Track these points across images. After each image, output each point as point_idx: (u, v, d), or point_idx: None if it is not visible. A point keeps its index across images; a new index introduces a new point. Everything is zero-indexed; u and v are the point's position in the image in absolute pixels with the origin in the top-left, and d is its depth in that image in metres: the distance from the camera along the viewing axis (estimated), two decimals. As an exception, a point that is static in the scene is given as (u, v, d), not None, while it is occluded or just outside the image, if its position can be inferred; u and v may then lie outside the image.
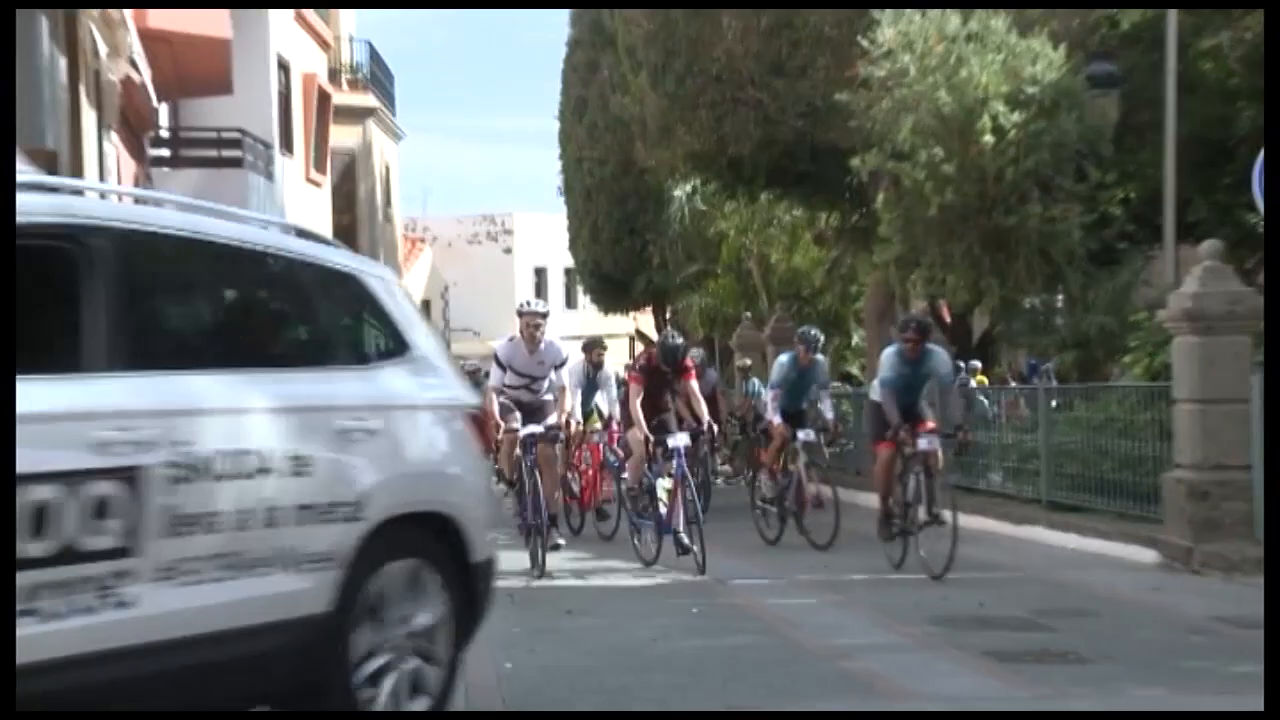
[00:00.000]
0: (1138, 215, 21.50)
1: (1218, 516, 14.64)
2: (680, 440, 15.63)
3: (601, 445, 19.92)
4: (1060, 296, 22.28)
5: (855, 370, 39.39)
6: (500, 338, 17.72)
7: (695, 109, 25.32)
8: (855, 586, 14.01)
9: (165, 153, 28.17)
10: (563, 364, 16.91)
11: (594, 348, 19.03)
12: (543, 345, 16.47)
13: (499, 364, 16.49)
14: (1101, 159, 20.79)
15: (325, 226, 37.40)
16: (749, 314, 36.20)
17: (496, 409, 15.69)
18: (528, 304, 17.31)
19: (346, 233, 41.87)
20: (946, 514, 14.89)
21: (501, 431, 15.87)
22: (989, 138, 20.09)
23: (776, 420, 17.92)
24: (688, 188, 36.11)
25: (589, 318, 57.25)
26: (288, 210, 32.04)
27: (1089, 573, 14.58)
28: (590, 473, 19.87)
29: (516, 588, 13.54)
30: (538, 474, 15.86)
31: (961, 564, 14.13)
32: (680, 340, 17.27)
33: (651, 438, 15.62)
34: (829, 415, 18.46)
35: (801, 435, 17.72)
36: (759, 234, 37.29)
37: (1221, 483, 14.70)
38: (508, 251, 65.94)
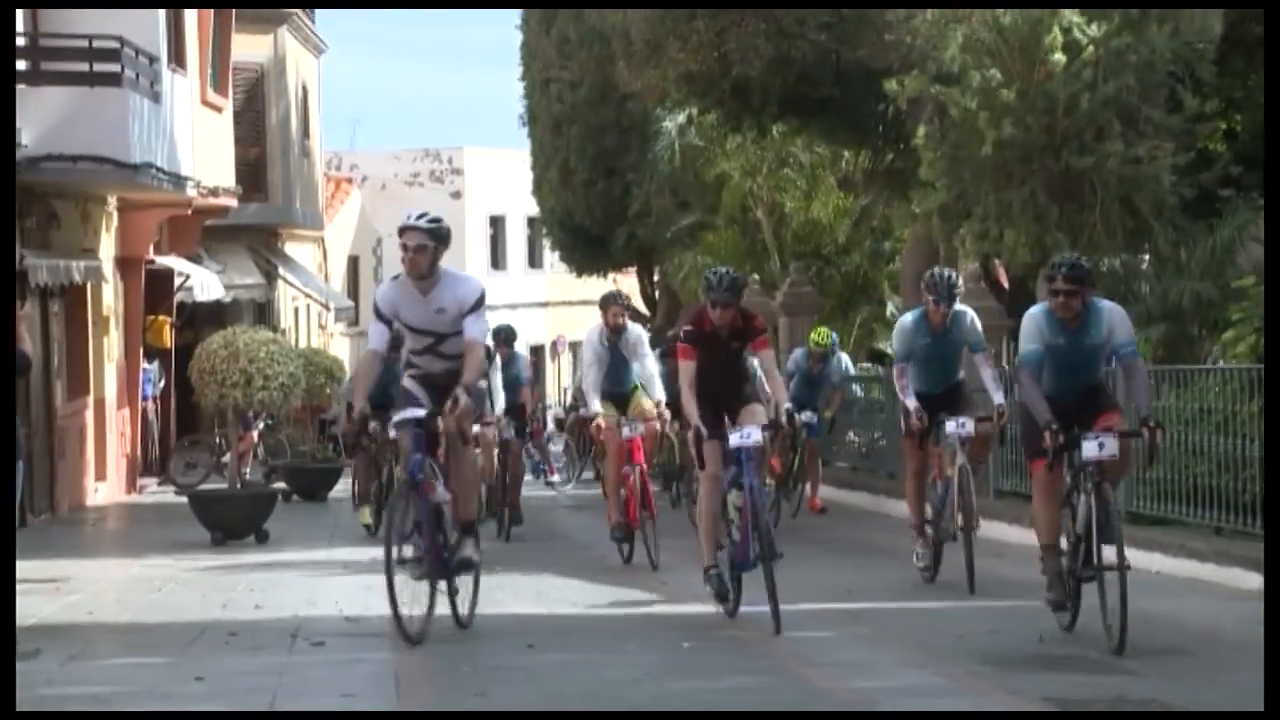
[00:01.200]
0: (1245, 154, 21.56)
1: (1341, 532, 14.70)
2: (750, 437, 13.63)
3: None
4: (1146, 257, 22.34)
5: (887, 348, 39.47)
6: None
7: (691, 19, 25.36)
8: (884, 615, 13.98)
9: (22, 65, 28.03)
10: (476, 307, 13.60)
11: (611, 304, 18.15)
12: (441, 280, 13.54)
13: (380, 317, 13.74)
14: (1201, 83, 20.85)
15: (227, 161, 37.38)
16: (757, 277, 36.16)
17: (359, 398, 13.90)
18: (410, 217, 13.99)
19: (254, 169, 41.88)
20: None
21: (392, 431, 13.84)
22: (1059, 56, 20.18)
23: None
24: (681, 118, 36.14)
25: (558, 280, 57.41)
26: (179, 140, 31.97)
27: (1178, 601, 14.63)
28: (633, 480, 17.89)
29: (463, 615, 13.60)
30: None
31: (1012, 588, 14.17)
32: (730, 270, 14.52)
33: (705, 433, 13.56)
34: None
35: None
36: (769, 177, 37.28)
37: (1345, 490, 14.75)
38: (456, 196, 65.86)
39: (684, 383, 13.85)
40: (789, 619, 13.78)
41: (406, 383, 14.17)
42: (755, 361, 15.81)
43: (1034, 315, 12.81)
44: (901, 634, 13.04)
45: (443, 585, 13.24)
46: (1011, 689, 10.59)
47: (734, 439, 13.56)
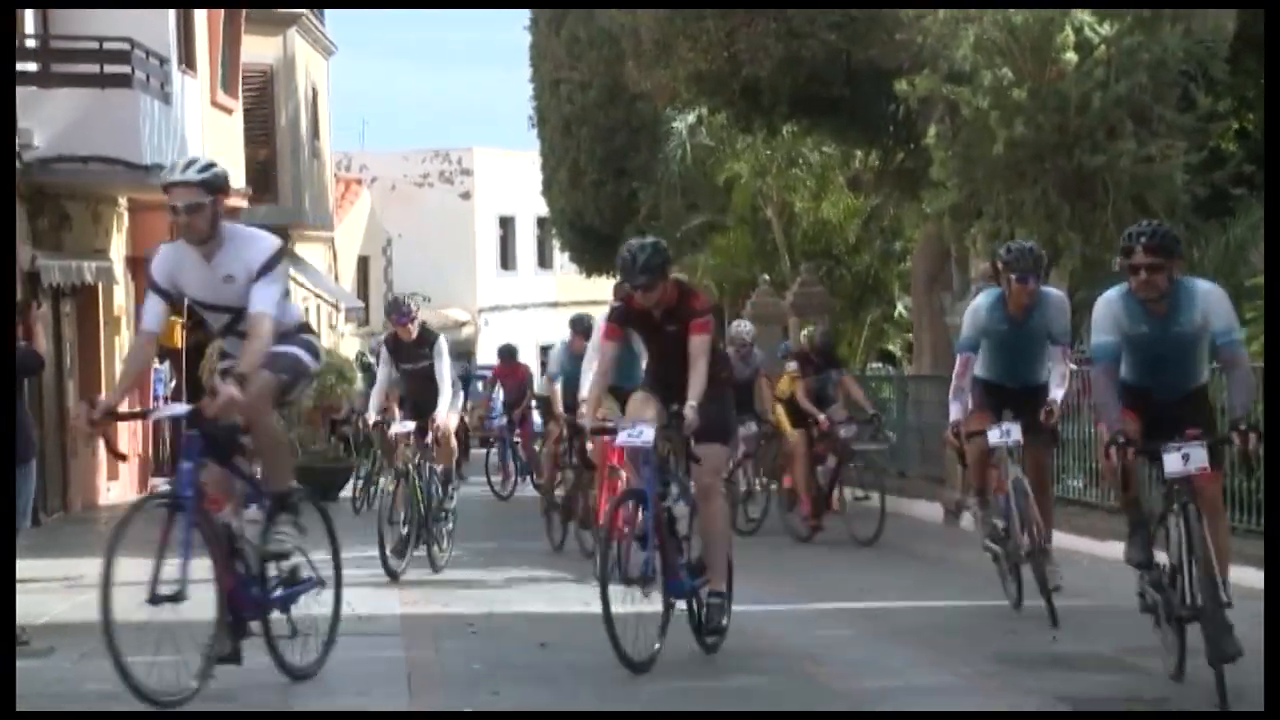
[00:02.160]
0: (1258, 153, 21.56)
1: (1353, 530, 14.69)
2: (640, 435, 11.64)
3: None
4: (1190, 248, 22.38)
5: (896, 349, 39.43)
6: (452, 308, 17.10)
7: (701, 19, 25.39)
8: (897, 614, 13.99)
9: (32, 67, 28.07)
10: (266, 270, 10.72)
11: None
12: (226, 241, 10.81)
13: (154, 289, 10.99)
14: (1214, 82, 20.88)
15: (237, 161, 37.42)
16: (767, 277, 36.18)
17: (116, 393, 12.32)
18: (174, 170, 11.06)
19: (264, 170, 41.95)
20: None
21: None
22: (1071, 55, 20.19)
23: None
24: (691, 118, 36.15)
25: (567, 281, 57.38)
26: (190, 141, 32.01)
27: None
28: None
29: (477, 614, 13.61)
30: None
31: (1030, 588, 14.18)
32: (650, 240, 12.24)
33: (588, 428, 12.53)
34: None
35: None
36: (779, 177, 37.23)
37: (1357, 489, 14.74)
38: (466, 197, 65.97)
39: (587, 366, 13.60)
40: (799, 617, 14.00)
41: (215, 379, 11.33)
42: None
43: (1109, 300, 10.49)
44: (914, 633, 13.06)
45: (258, 627, 10.64)
46: (1025, 689, 10.65)
47: (621, 436, 11.92)
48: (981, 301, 14.73)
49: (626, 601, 11.30)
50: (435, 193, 65.01)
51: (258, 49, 41.59)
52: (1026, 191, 20.72)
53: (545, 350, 33.12)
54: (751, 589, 14.94)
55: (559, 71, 39.85)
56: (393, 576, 16.52)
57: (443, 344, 17.54)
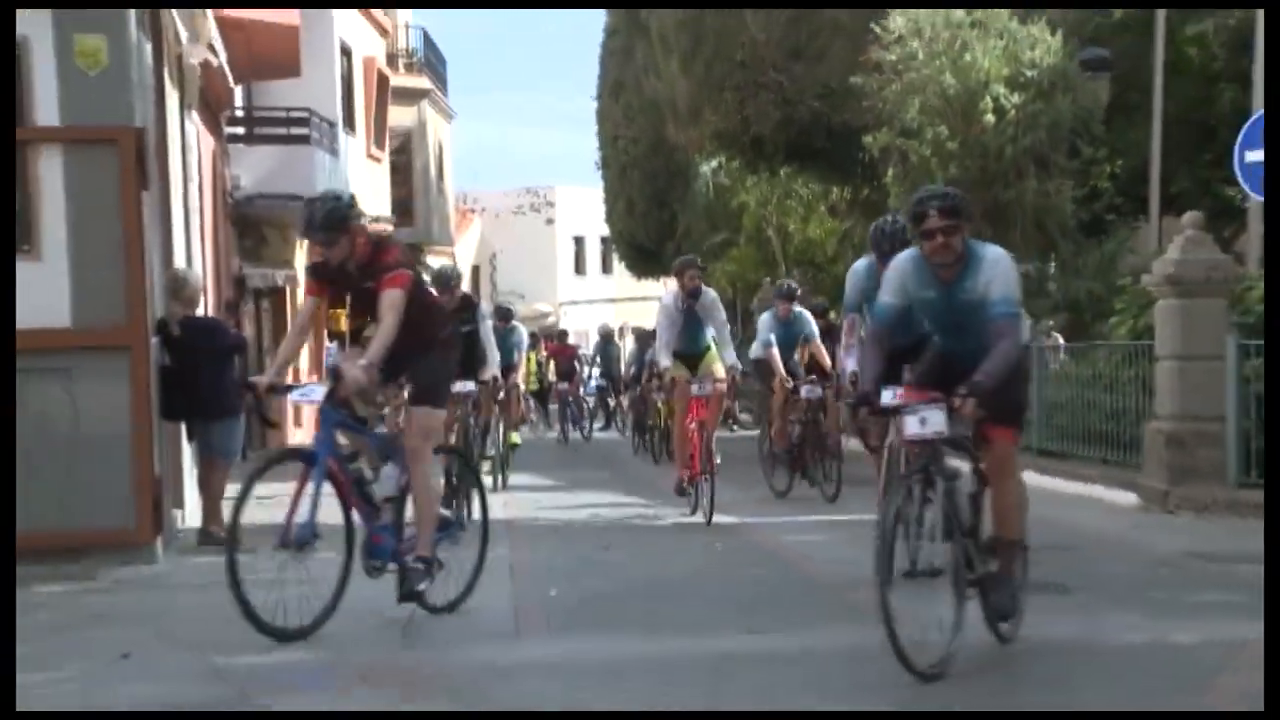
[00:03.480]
0: (1124, 189, 21.61)
1: (1192, 463, 14.75)
2: (310, 394, 9.57)
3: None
4: (1053, 264, 22.34)
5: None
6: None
7: (721, 91, 25.43)
8: (863, 526, 14.06)
9: (240, 130, 28.26)
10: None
11: (688, 268, 14.53)
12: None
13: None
14: (1093, 137, 20.90)
15: (384, 198, 37.56)
16: (769, 279, 36.18)
17: None
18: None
19: (403, 205, 42.03)
20: None
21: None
22: (990, 117, 20.19)
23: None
24: (713, 164, 36.12)
25: (623, 282, 57.34)
26: (351, 183, 32.19)
27: (1074, 512, 14.62)
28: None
29: (560, 521, 13.72)
30: None
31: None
32: (332, 194, 9.41)
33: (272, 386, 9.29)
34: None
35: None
36: (778, 206, 37.23)
37: (1197, 432, 14.80)
38: (549, 222, 65.87)
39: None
40: (793, 528, 13.82)
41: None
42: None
43: (899, 262, 8.08)
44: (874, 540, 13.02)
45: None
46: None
47: (294, 394, 9.86)
48: (861, 265, 11.98)
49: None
50: (527, 219, 64.86)
51: (399, 116, 41.67)
52: (958, 217, 20.75)
53: (604, 333, 32.81)
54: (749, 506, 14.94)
55: (617, 130, 39.80)
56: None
57: (484, 310, 15.17)
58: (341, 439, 8.93)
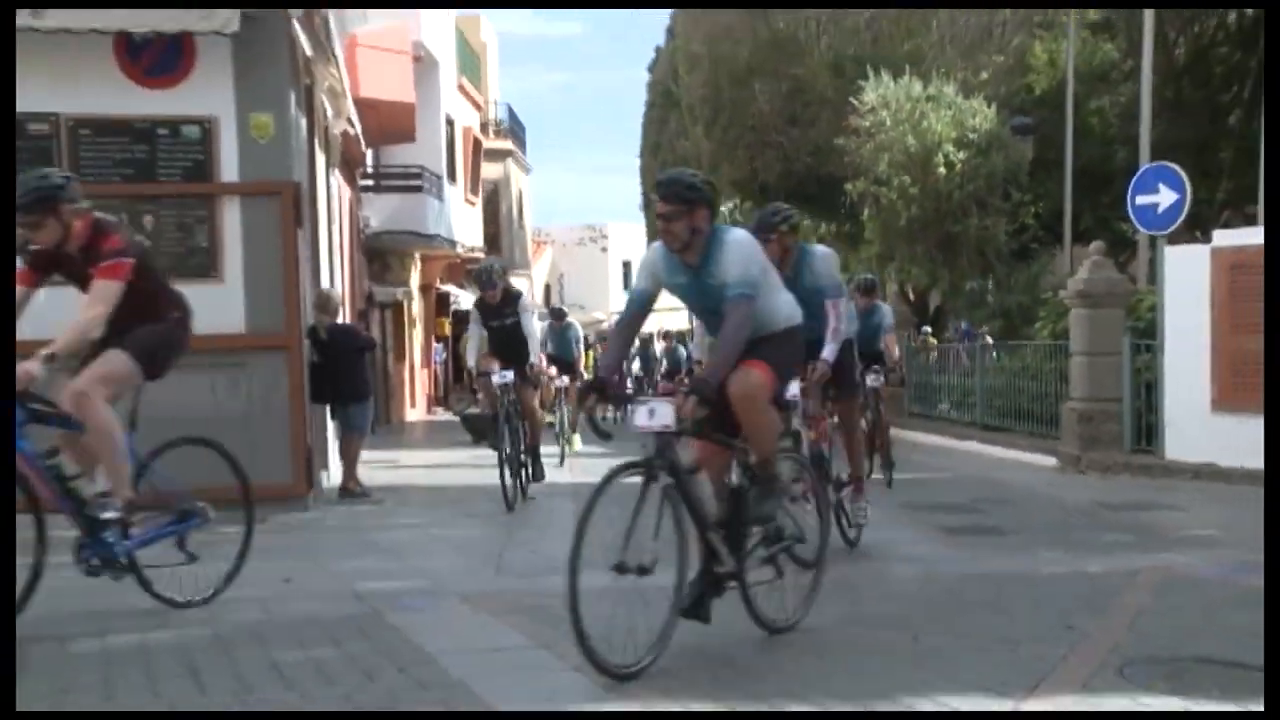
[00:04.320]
0: (1044, 225, 21.56)
1: (1097, 434, 14.74)
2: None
3: None
4: (991, 281, 22.28)
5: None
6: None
7: (735, 150, 25.45)
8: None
9: (370, 182, 28.44)
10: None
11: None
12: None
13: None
14: (1020, 185, 20.87)
15: (477, 233, 37.69)
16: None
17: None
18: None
19: (492, 238, 42.16)
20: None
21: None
22: (942, 170, 20.17)
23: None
24: (730, 205, 36.08)
25: (663, 297, 57.29)
26: (453, 222, 32.33)
27: (1009, 473, 14.64)
28: None
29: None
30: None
31: (920, 467, 14.17)
32: (36, 173, 6.69)
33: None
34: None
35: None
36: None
37: (1101, 411, 14.78)
38: (604, 250, 65.81)
39: None
40: None
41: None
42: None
43: (651, 249, 6.33)
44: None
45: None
46: (920, 522, 10.51)
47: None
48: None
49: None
50: (586, 248, 64.85)
51: (489, 170, 41.80)
52: (919, 246, 20.74)
53: (642, 338, 32.68)
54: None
55: (655, 179, 39.83)
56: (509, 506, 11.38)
57: (526, 302, 12.40)
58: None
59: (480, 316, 12.32)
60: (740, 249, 5.97)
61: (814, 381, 8.14)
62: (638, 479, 5.51)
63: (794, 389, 7.94)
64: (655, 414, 5.64)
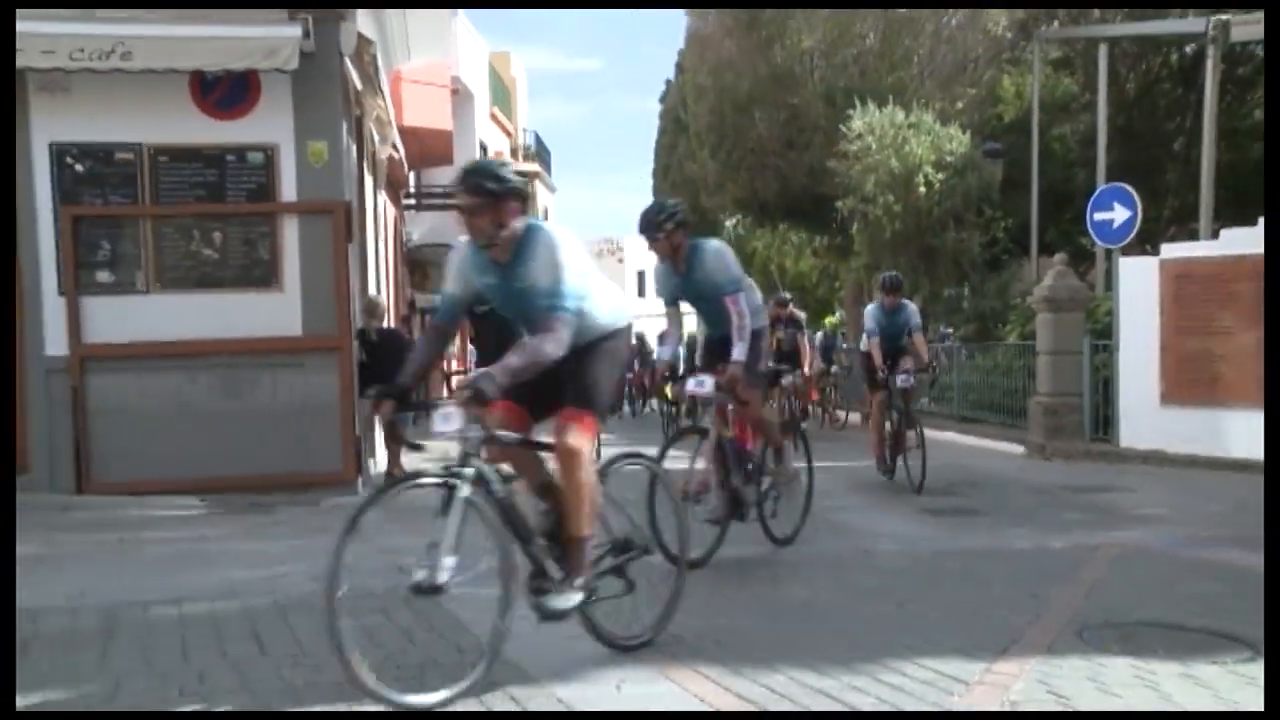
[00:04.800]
0: (1013, 238, 21.48)
1: (1061, 424, 14.73)
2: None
3: None
4: (966, 289, 22.24)
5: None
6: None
7: (738, 171, 25.38)
8: (840, 471, 14.02)
9: (412, 203, 28.49)
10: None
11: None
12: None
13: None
14: (991, 203, 20.80)
15: (509, 246, 37.67)
16: (772, 300, 36.01)
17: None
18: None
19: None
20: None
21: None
22: (922, 189, 20.11)
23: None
24: (733, 220, 36.08)
25: (671, 302, 57.30)
26: (486, 236, 32.38)
27: (982, 460, 14.60)
28: None
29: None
30: None
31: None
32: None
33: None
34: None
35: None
36: (778, 249, 37.15)
37: (1064, 404, 14.77)
38: (620, 261, 65.83)
39: None
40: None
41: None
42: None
43: (457, 248, 5.16)
44: (848, 479, 12.77)
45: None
46: (903, 504, 10.45)
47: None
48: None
49: None
50: (604, 259, 64.57)
51: (519, 189, 41.89)
52: (901, 257, 20.66)
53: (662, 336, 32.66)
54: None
55: (666, 198, 39.77)
56: None
57: None
58: None
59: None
60: (552, 252, 4.79)
61: (726, 386, 7.04)
62: (436, 489, 4.59)
63: (707, 385, 6.96)
64: (449, 419, 4.63)
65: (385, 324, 13.62)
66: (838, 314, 38.45)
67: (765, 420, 7.71)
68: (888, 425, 11.42)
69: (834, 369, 19.94)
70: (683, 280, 6.89)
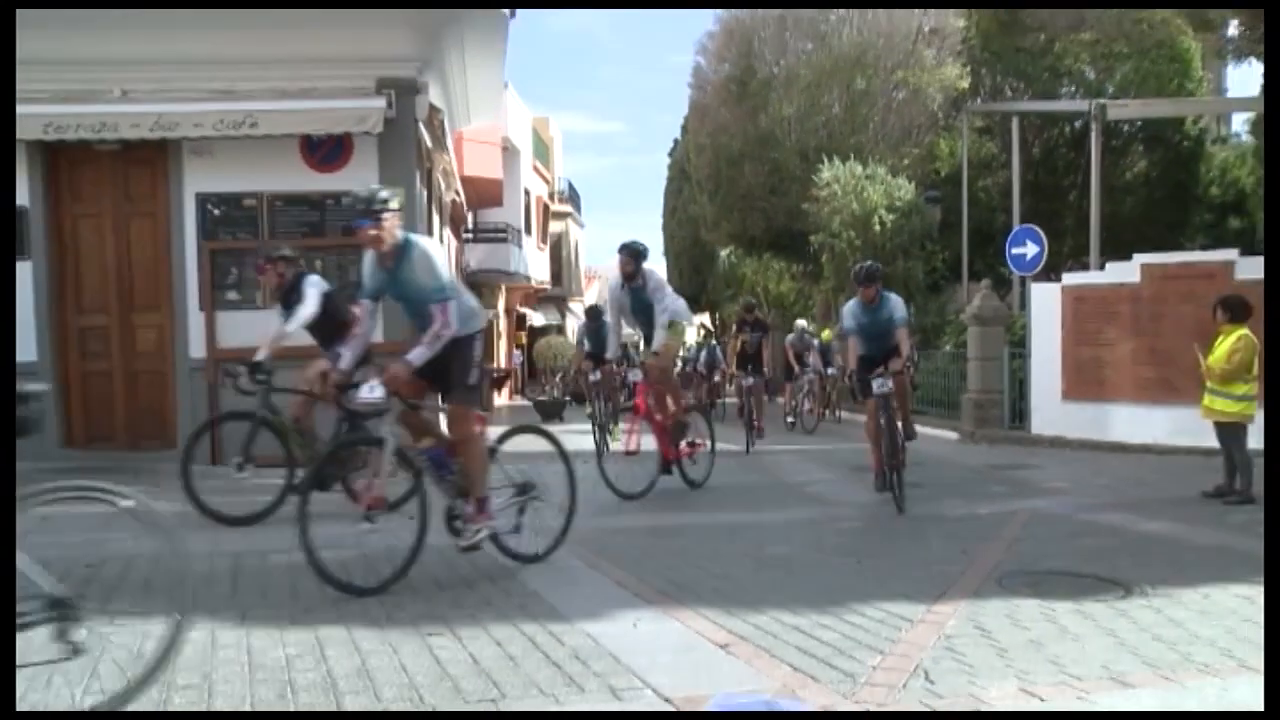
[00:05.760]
0: (949, 267, 21.46)
1: (986, 416, 14.72)
2: None
3: None
4: (912, 308, 22.19)
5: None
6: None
7: (731, 212, 25.37)
8: (813, 453, 14.05)
9: (470, 236, 28.58)
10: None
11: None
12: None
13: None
14: (931, 239, 20.78)
15: (545, 271, 37.74)
16: (758, 315, 35.74)
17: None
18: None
19: (556, 274, 42.21)
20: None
21: None
22: (878, 228, 20.09)
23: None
24: (726, 251, 36.10)
25: (676, 316, 57.14)
26: (529, 263, 32.39)
27: (926, 444, 14.46)
28: None
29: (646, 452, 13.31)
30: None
31: (859, 438, 14.07)
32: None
33: None
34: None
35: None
36: (763, 274, 37.06)
37: (988, 399, 14.77)
38: (636, 283, 65.86)
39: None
40: (775, 453, 13.26)
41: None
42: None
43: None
44: (819, 459, 12.81)
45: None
46: (863, 480, 10.23)
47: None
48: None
49: None
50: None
51: (554, 226, 41.79)
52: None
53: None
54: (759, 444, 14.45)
55: (673, 233, 39.63)
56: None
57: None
58: None
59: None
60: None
61: (387, 384, 5.37)
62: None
63: (378, 391, 5.35)
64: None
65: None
66: (804, 320, 38.26)
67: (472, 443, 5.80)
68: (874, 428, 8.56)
69: (830, 371, 19.67)
70: (388, 275, 5.46)
